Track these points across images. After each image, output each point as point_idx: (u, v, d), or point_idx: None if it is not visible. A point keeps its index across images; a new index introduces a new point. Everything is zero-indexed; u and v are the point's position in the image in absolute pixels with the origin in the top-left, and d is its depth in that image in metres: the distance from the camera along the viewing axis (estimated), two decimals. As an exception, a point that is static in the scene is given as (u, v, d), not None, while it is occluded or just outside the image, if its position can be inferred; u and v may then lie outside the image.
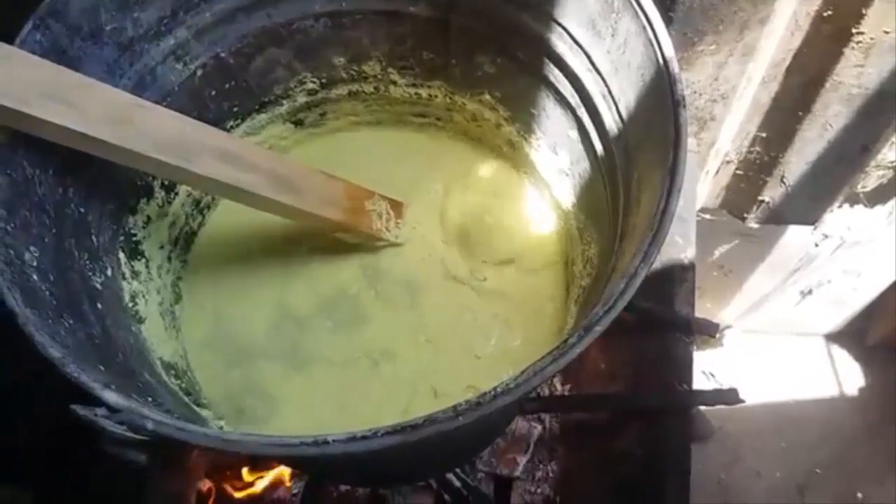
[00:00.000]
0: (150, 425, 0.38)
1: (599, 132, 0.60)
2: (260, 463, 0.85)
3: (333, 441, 0.38)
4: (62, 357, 0.42)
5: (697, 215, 1.19)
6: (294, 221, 0.67)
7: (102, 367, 0.47)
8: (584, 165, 0.64)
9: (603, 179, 0.61)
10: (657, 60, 0.48)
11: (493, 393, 0.39)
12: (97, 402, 0.40)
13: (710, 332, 0.82)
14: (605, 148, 0.60)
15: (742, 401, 0.78)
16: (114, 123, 0.52)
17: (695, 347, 1.88)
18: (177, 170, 0.55)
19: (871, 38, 0.83)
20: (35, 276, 0.48)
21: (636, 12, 0.50)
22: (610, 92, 0.56)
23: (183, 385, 0.63)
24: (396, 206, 0.73)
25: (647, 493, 0.76)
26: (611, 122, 0.57)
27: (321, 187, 0.66)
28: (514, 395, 0.39)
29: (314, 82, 0.74)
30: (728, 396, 0.78)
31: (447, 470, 0.81)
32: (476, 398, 0.39)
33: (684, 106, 0.46)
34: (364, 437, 0.38)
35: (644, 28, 0.49)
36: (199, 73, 0.66)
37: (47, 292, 0.48)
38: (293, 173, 0.63)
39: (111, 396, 0.40)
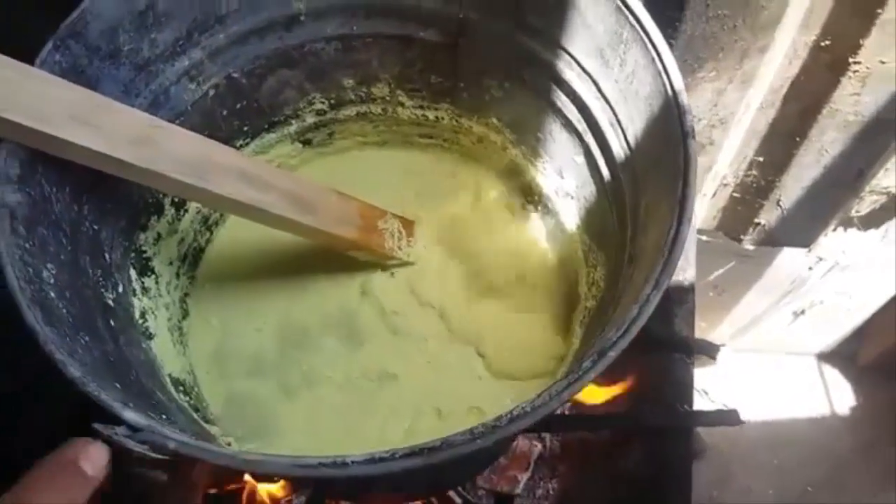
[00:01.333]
0: (172, 445, 0.39)
1: (606, 158, 0.61)
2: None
3: (353, 462, 0.39)
4: (82, 376, 0.42)
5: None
6: (306, 239, 0.68)
7: (119, 386, 0.48)
8: (591, 189, 0.65)
9: (609, 204, 0.62)
10: (666, 92, 0.50)
11: (509, 417, 0.40)
12: (114, 419, 0.41)
13: (710, 354, 0.83)
14: (612, 173, 0.61)
15: (742, 422, 0.79)
16: (135, 144, 0.53)
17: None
18: (195, 189, 0.56)
19: (868, 68, 0.85)
20: (52, 294, 0.49)
21: (645, 44, 0.51)
22: (618, 120, 0.57)
23: (192, 402, 0.63)
24: (408, 225, 0.74)
25: (648, 512, 0.77)
26: (618, 149, 0.58)
27: (335, 206, 0.67)
28: (530, 418, 0.40)
29: (323, 103, 0.75)
30: (729, 418, 0.79)
31: (450, 487, 0.81)
32: (493, 422, 0.40)
33: (693, 137, 0.47)
34: (383, 459, 0.39)
35: (653, 60, 0.50)
36: (212, 93, 0.67)
37: (64, 310, 0.49)
38: (308, 192, 0.64)
39: (131, 415, 0.41)
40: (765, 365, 1.85)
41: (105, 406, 0.41)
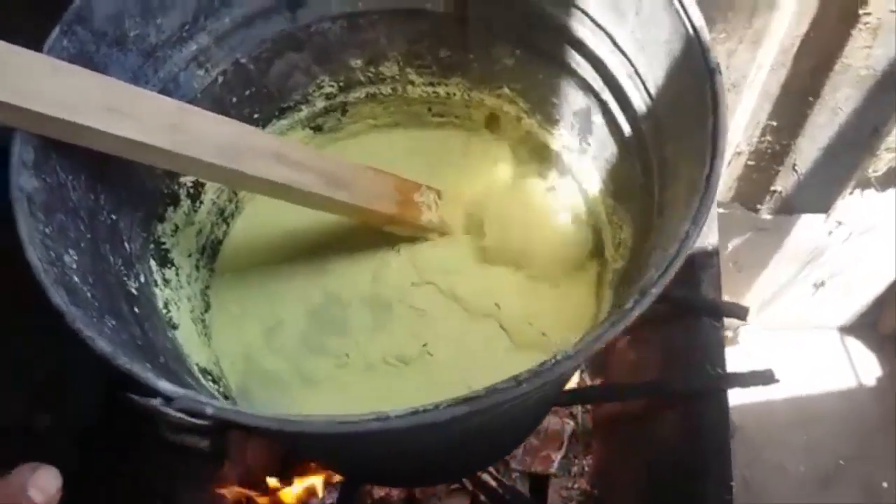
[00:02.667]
0: (209, 410, 0.38)
1: (626, 113, 0.60)
2: (290, 470, 0.85)
3: (395, 416, 0.38)
4: (113, 350, 0.41)
5: (710, 208, 1.19)
6: (345, 218, 0.68)
7: (149, 365, 0.47)
8: (612, 149, 0.64)
9: (632, 160, 0.61)
10: (686, 31, 0.49)
11: (553, 360, 0.39)
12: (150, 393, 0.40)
13: (739, 316, 0.82)
14: (633, 128, 0.60)
15: (777, 380, 0.77)
16: (169, 131, 0.52)
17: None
18: (231, 173, 0.56)
19: (878, 19, 0.84)
20: (76, 278, 0.48)
21: (662, -14, 0.50)
22: (636, 71, 0.56)
23: (221, 390, 0.63)
24: (442, 196, 0.73)
25: (688, 480, 0.76)
26: (639, 102, 0.57)
27: (371, 182, 0.67)
28: (575, 360, 0.39)
29: (332, 86, 0.74)
30: (764, 377, 0.77)
31: (480, 468, 0.80)
32: (537, 367, 0.39)
33: (720, 72, 0.46)
34: (426, 411, 0.38)
35: (671, 1, 0.49)
36: (221, 79, 0.67)
37: (88, 294, 0.48)
38: (343, 170, 0.64)
39: (165, 385, 0.40)
40: (788, 342, 1.85)
41: (137, 378, 0.40)
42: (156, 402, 0.39)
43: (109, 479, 0.82)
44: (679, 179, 0.49)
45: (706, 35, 0.47)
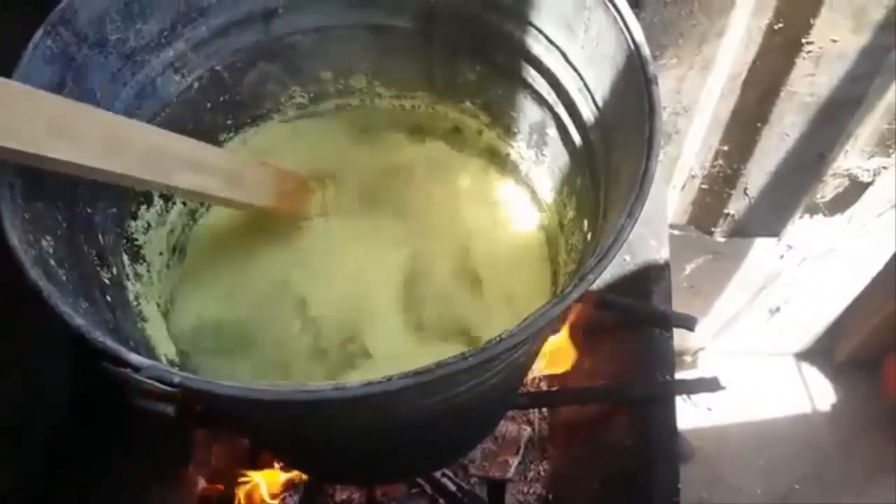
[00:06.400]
0: (176, 379, 0.41)
1: (577, 124, 0.64)
2: (253, 471, 0.87)
3: (350, 387, 0.41)
4: (86, 325, 0.44)
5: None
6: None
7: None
8: (564, 159, 0.68)
9: (582, 169, 0.65)
10: (629, 47, 0.53)
11: (498, 338, 0.42)
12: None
13: (688, 326, 0.86)
14: (583, 138, 0.64)
15: (723, 387, 0.81)
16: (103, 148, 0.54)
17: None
18: (160, 186, 0.61)
19: (820, 48, 0.89)
20: (52, 262, 0.50)
21: (607, 6, 0.54)
22: (586, 84, 0.61)
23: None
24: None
25: (638, 481, 0.79)
26: (588, 113, 0.62)
27: (260, 175, 0.70)
28: (517, 338, 0.42)
29: (303, 97, 0.78)
30: (709, 384, 0.81)
31: (438, 466, 0.83)
32: (483, 345, 0.42)
33: (656, 83, 0.50)
34: (380, 382, 0.41)
35: (615, 20, 0.54)
36: (196, 85, 0.70)
37: (64, 277, 0.51)
38: (237, 167, 0.68)
39: (136, 358, 0.43)
40: (745, 368, 1.88)
41: (110, 351, 0.43)
42: (127, 371, 0.41)
43: (77, 483, 0.83)
44: (621, 184, 0.53)
45: (646, 50, 0.52)
